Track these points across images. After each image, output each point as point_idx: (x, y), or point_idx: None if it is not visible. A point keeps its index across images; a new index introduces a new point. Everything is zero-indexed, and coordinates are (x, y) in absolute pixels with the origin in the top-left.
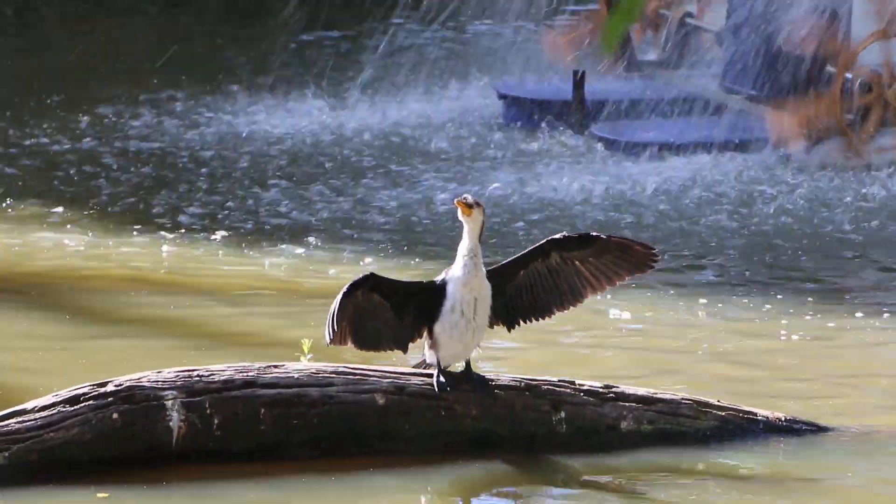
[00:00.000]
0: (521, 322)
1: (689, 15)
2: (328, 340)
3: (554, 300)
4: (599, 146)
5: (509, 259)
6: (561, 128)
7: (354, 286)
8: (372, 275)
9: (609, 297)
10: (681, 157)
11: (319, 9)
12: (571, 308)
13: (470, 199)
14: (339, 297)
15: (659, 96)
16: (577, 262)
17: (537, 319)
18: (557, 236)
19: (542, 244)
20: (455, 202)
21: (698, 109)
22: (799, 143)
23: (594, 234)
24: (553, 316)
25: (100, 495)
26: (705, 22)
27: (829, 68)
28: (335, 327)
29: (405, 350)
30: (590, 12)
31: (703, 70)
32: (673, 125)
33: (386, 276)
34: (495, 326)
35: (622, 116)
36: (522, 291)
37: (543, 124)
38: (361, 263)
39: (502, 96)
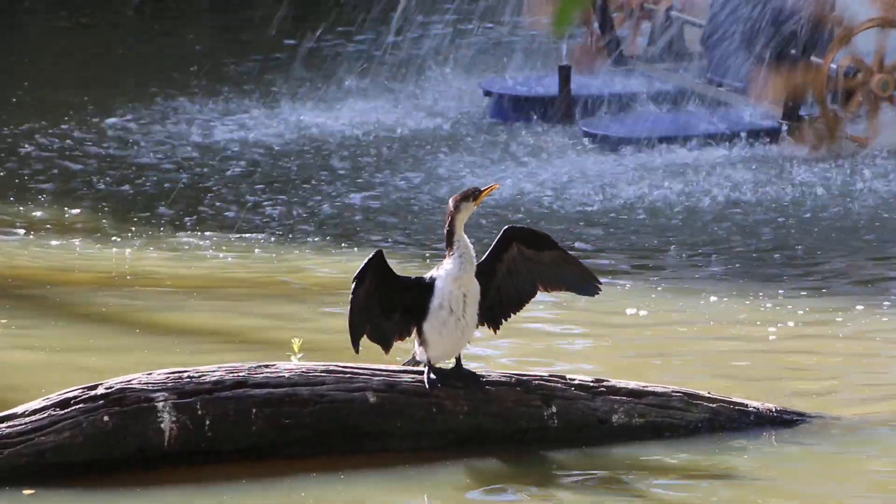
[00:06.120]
0: (504, 320)
1: (673, 8)
2: (354, 341)
3: (522, 291)
4: (587, 141)
5: (484, 256)
6: (548, 123)
7: (366, 267)
8: (380, 252)
9: (619, 287)
10: (669, 150)
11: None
12: (533, 299)
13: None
14: (353, 285)
15: (646, 90)
16: (530, 261)
17: (514, 313)
18: (518, 227)
19: (504, 233)
20: (486, 190)
21: (685, 102)
22: (776, 105)
23: (552, 239)
24: (523, 308)
25: (26, 492)
26: (690, 15)
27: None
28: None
29: (387, 349)
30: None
31: (689, 63)
32: (660, 119)
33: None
34: (479, 328)
35: (609, 111)
36: (500, 287)
37: (531, 120)
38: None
39: (488, 93)
